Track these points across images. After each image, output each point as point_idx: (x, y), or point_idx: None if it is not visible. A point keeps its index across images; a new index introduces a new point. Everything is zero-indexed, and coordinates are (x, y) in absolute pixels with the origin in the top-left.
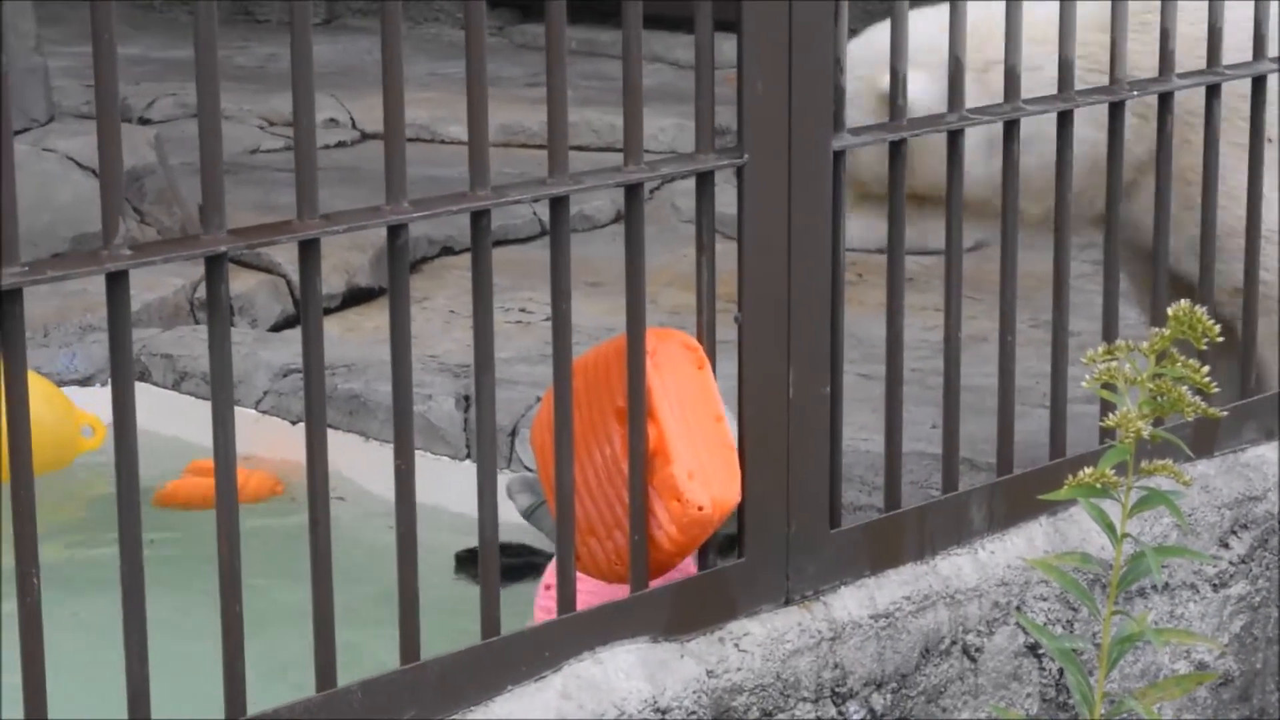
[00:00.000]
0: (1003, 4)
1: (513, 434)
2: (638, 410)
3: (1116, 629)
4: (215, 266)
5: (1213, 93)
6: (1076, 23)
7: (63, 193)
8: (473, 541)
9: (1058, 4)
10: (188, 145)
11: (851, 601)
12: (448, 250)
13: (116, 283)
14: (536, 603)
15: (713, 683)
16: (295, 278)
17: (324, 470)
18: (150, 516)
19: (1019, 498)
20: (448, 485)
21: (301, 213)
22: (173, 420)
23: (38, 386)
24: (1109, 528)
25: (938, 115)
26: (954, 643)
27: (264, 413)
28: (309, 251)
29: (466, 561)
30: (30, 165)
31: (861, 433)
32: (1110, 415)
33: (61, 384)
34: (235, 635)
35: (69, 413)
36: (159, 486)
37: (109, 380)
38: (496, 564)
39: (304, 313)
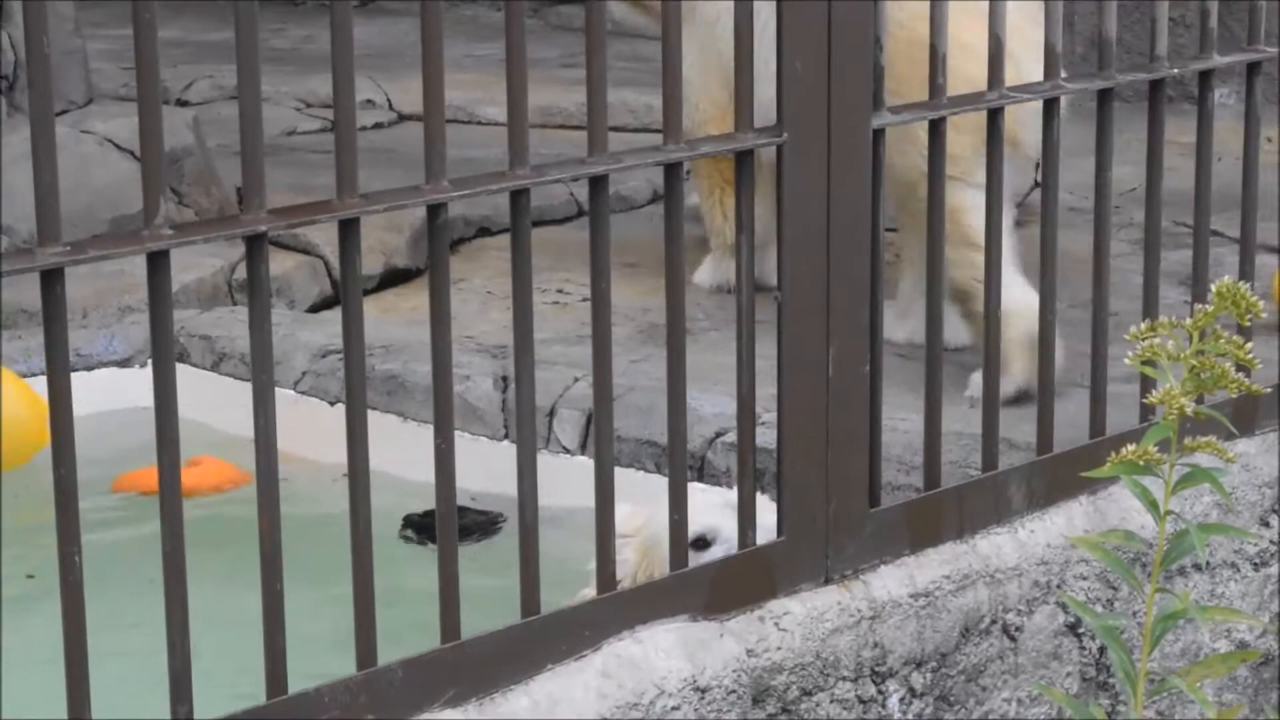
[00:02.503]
0: None
1: (551, 414)
2: (678, 393)
3: (1159, 607)
4: (256, 246)
5: (1253, 70)
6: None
7: (101, 174)
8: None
9: None
10: (225, 127)
11: (891, 580)
12: (484, 231)
13: (157, 262)
14: None
15: (752, 662)
16: (333, 259)
17: (364, 452)
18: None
19: (1059, 477)
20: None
21: (341, 192)
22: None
23: (9, 383)
24: (1152, 505)
25: (978, 93)
26: (994, 622)
27: (302, 394)
28: (349, 231)
29: (416, 525)
30: (69, 147)
31: (899, 412)
32: (1153, 392)
33: (100, 366)
34: (276, 613)
35: (39, 407)
36: (121, 471)
37: (148, 361)
38: (536, 543)
39: (344, 291)
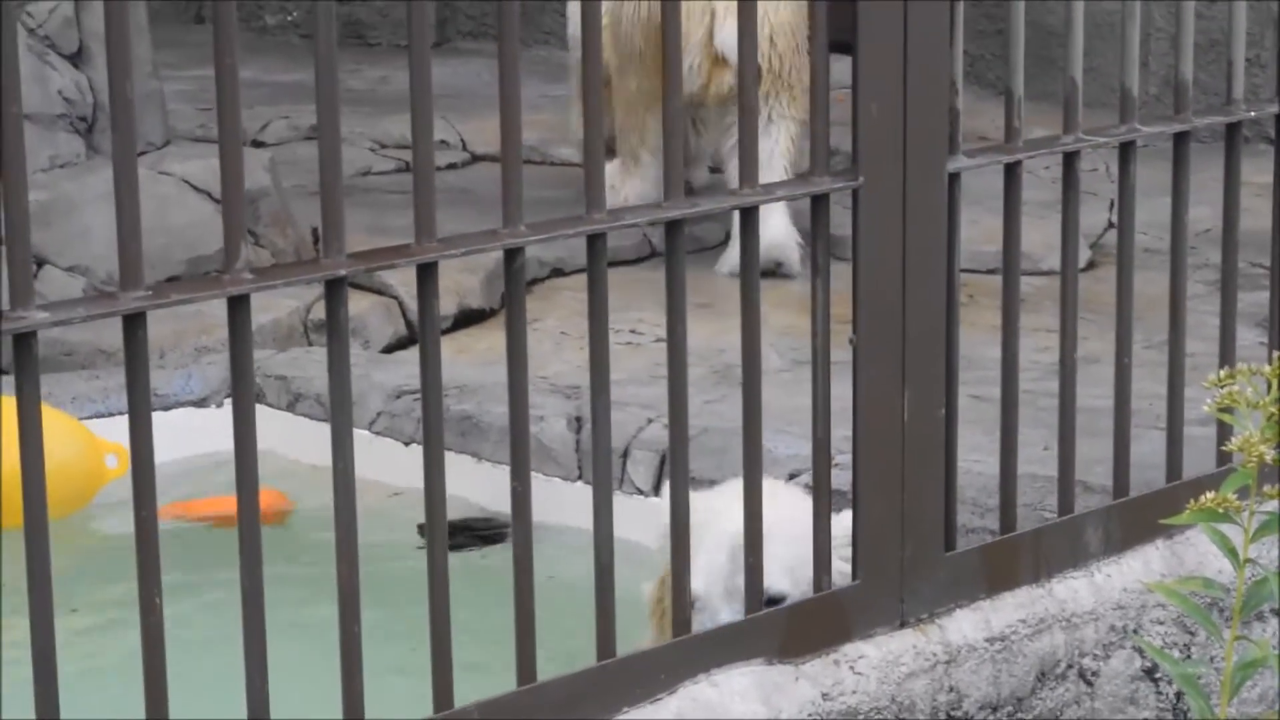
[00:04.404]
0: None
1: (625, 455)
2: (754, 438)
3: (1238, 654)
4: (335, 290)
5: None
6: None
7: (179, 216)
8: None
9: None
10: (301, 168)
11: (967, 624)
12: (558, 271)
13: (238, 306)
14: None
15: (828, 705)
16: (407, 299)
17: (441, 491)
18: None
19: (1135, 521)
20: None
21: (419, 236)
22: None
23: (57, 421)
24: (1231, 552)
25: (1053, 137)
26: (1070, 666)
27: (378, 434)
28: (427, 275)
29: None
30: (147, 189)
31: (973, 454)
32: (1231, 439)
33: (177, 406)
34: (354, 654)
35: (91, 445)
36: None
37: (225, 402)
38: (612, 585)
39: (422, 336)
